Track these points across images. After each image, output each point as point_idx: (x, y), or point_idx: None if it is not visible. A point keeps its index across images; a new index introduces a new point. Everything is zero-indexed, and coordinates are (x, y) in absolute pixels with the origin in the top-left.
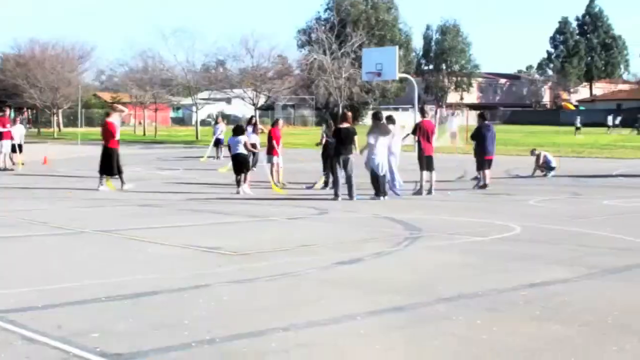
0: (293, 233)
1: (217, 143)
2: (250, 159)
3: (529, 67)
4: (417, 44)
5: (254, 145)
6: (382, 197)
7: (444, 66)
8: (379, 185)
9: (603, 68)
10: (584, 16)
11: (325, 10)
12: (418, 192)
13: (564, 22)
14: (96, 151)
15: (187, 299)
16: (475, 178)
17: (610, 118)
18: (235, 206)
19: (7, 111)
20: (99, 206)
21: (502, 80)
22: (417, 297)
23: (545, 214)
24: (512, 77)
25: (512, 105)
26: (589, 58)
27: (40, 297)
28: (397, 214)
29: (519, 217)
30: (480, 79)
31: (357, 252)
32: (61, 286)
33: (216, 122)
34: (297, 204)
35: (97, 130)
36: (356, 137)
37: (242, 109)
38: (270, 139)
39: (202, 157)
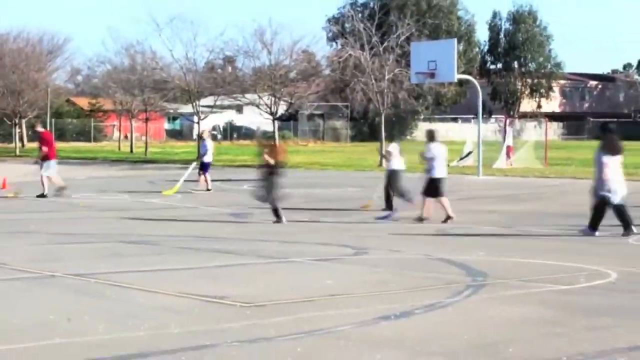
0: (321, 279)
1: (204, 168)
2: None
3: (627, 66)
4: (482, 36)
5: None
6: (632, 231)
7: (516, 65)
8: (624, 217)
9: None
10: None
11: None
12: None
13: None
14: (71, 172)
15: None
16: None
17: None
18: (247, 244)
19: None
20: (71, 243)
21: (592, 83)
22: None
23: None
24: (605, 79)
25: (604, 114)
26: None
27: None
28: (455, 255)
29: (614, 260)
30: (563, 82)
31: (405, 303)
32: (25, 346)
33: (200, 138)
34: (327, 241)
35: (71, 145)
36: None
37: (256, 119)
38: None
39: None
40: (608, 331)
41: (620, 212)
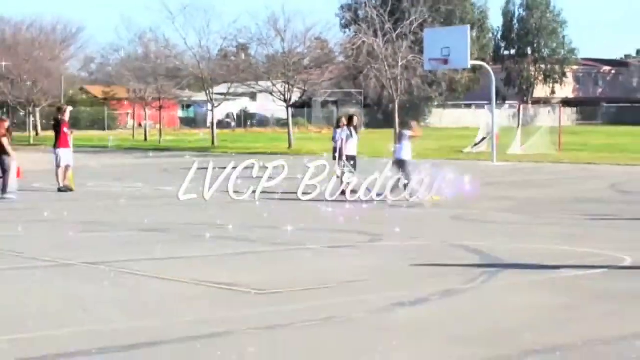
0: (336, 266)
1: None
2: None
3: None
4: (495, 22)
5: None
6: None
7: (529, 51)
8: None
9: None
10: None
11: None
12: None
13: None
14: (84, 161)
15: (200, 351)
16: None
17: None
18: (260, 231)
19: None
20: (87, 231)
21: (606, 68)
22: (498, 348)
23: None
24: (619, 64)
25: (618, 100)
26: None
27: (12, 349)
28: (470, 241)
29: (629, 245)
30: (576, 67)
31: (421, 290)
32: (39, 335)
33: (338, 125)
34: (341, 228)
35: (85, 134)
36: None
37: (270, 106)
38: None
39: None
40: (624, 316)
41: None
